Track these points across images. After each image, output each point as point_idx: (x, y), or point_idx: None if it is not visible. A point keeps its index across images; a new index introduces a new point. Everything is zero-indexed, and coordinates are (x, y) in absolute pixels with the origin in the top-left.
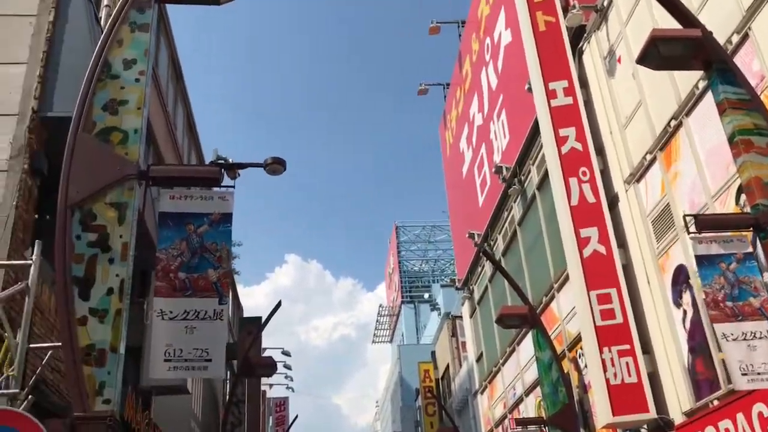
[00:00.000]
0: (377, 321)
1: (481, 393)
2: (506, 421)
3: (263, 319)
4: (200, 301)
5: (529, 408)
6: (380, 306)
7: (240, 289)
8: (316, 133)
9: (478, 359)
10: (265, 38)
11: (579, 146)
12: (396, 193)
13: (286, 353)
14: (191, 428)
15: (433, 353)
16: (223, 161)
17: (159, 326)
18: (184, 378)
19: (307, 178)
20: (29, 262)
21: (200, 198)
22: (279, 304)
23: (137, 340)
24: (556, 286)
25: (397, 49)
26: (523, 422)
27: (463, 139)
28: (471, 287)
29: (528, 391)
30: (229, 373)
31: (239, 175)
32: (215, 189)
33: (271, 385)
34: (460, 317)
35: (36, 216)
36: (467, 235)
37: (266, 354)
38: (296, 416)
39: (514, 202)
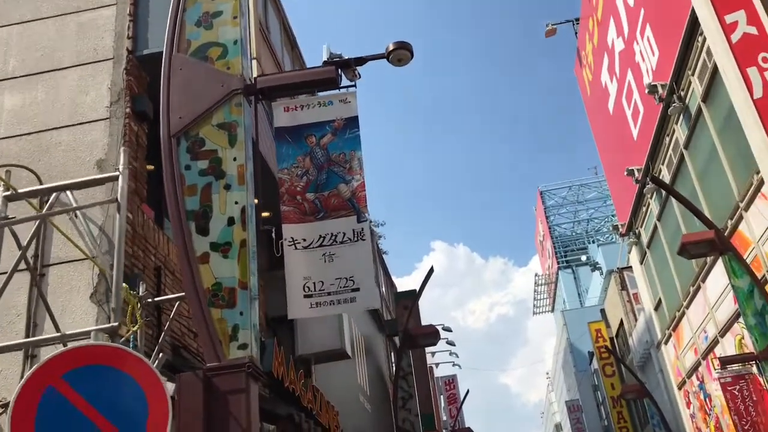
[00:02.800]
0: (535, 291)
1: (665, 343)
2: (700, 368)
3: (417, 291)
4: (335, 222)
5: (728, 349)
6: (536, 275)
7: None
8: (442, 116)
9: (657, 307)
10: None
11: (753, 30)
12: (532, 159)
13: (447, 329)
14: (360, 402)
15: (602, 311)
16: (338, 59)
17: (293, 257)
18: (330, 313)
19: (440, 161)
20: (116, 174)
21: (318, 105)
22: (431, 270)
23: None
24: (742, 205)
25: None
26: (730, 361)
27: (604, 72)
28: (637, 231)
29: (723, 331)
30: (392, 351)
31: (359, 75)
32: (333, 92)
33: (437, 364)
34: (628, 269)
35: (149, 165)
36: (625, 173)
37: None
38: (467, 390)
39: (676, 123)
